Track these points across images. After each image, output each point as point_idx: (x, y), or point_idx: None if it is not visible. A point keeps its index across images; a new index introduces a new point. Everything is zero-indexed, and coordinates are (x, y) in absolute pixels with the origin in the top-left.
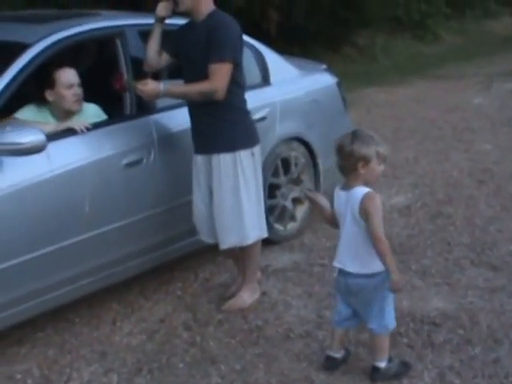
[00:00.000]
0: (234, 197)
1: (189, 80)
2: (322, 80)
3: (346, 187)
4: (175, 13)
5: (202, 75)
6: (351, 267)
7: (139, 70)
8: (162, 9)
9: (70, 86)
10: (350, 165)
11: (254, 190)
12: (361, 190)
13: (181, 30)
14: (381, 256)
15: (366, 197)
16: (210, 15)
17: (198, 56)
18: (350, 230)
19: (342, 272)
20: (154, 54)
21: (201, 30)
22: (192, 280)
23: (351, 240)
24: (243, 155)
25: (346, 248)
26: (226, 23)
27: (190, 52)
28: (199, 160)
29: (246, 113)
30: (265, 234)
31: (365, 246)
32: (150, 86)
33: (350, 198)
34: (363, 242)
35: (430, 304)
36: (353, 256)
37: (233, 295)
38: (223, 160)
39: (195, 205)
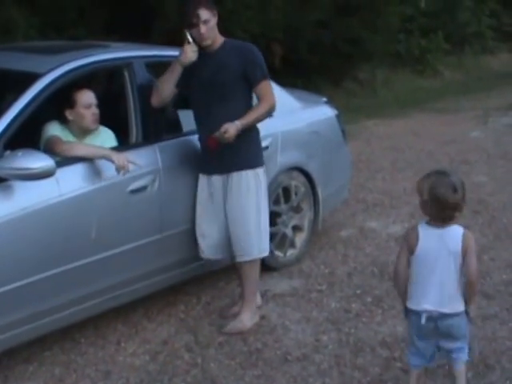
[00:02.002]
0: (254, 212)
1: (206, 107)
2: (322, 112)
3: (439, 225)
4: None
5: (232, 96)
6: (448, 307)
7: (145, 100)
8: (192, 54)
9: (89, 106)
10: (452, 212)
11: (267, 206)
12: (458, 229)
13: (195, 62)
14: (474, 293)
15: (467, 235)
16: (226, 43)
17: (225, 80)
18: (446, 268)
19: (431, 315)
20: (171, 90)
21: (222, 57)
22: (194, 303)
23: (449, 278)
24: (260, 172)
25: (440, 288)
26: (252, 46)
27: (215, 78)
28: (215, 180)
29: (259, 131)
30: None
31: (460, 284)
32: (232, 130)
33: (446, 236)
34: (459, 280)
35: None
36: (450, 295)
37: (234, 316)
38: (245, 177)
39: (206, 225)
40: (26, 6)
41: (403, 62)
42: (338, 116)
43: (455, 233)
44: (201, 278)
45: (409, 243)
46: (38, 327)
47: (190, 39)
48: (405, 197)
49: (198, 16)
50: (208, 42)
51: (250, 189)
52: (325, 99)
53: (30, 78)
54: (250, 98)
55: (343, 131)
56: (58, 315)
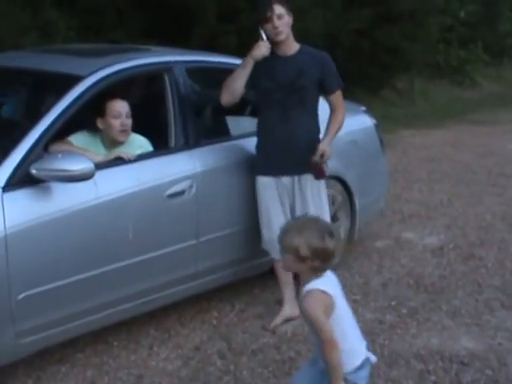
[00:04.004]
0: (324, 212)
1: (282, 108)
2: (361, 121)
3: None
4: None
5: (310, 101)
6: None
7: (185, 105)
8: (265, 49)
9: (118, 116)
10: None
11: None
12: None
13: (267, 64)
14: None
15: None
16: (302, 49)
17: (304, 85)
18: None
19: (366, 363)
20: (242, 87)
21: (298, 62)
22: (228, 310)
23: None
24: None
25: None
26: (326, 54)
27: (294, 82)
28: (285, 181)
29: None
30: None
31: None
32: (328, 150)
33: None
34: None
35: (459, 343)
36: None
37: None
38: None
39: (276, 225)
40: (65, 9)
41: (441, 73)
42: (376, 125)
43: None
44: (235, 285)
45: (326, 306)
46: (71, 329)
47: (264, 37)
48: (441, 208)
49: (272, 9)
50: (282, 37)
51: (319, 191)
52: (364, 108)
53: (72, 81)
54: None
55: (381, 141)
56: (92, 317)
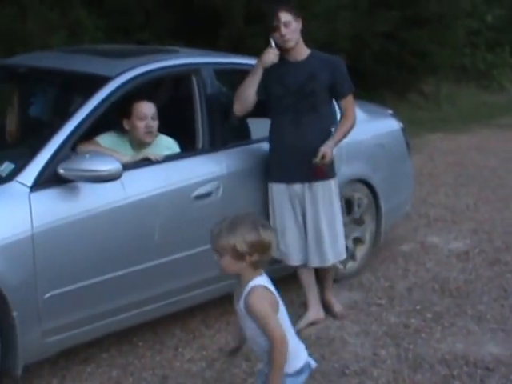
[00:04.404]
0: (334, 219)
1: (294, 114)
2: (388, 125)
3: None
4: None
5: (322, 106)
6: None
7: (213, 107)
8: (273, 56)
9: (143, 118)
10: None
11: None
12: None
13: (277, 70)
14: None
15: None
16: (313, 54)
17: (314, 89)
18: None
19: (306, 367)
20: (253, 95)
21: (309, 67)
22: None
23: None
24: (336, 181)
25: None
26: (340, 59)
27: (304, 87)
28: (296, 188)
29: None
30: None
31: None
32: (330, 152)
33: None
34: None
35: (484, 349)
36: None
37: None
38: (331, 185)
39: (287, 232)
40: (93, 9)
41: (468, 77)
42: (403, 129)
43: None
44: None
45: (272, 303)
46: (96, 329)
47: (273, 44)
48: (467, 212)
49: (278, 18)
50: (290, 44)
51: (332, 197)
52: (390, 112)
53: (100, 81)
54: (332, 109)
55: (408, 144)
56: (117, 318)
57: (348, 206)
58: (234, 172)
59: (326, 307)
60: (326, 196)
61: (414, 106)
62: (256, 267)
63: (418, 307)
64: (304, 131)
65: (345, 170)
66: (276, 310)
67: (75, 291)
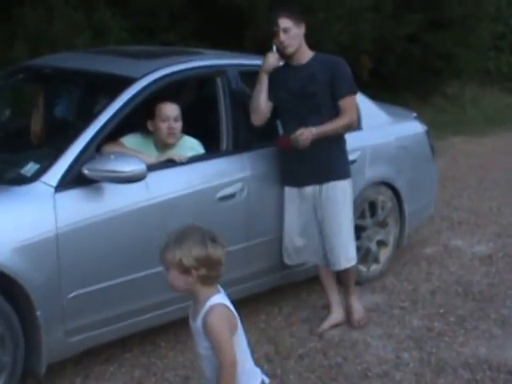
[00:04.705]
0: (345, 222)
1: (298, 117)
2: (411, 127)
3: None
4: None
5: (319, 107)
6: None
7: (238, 108)
8: (273, 60)
9: (166, 120)
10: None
11: (352, 217)
12: None
13: (280, 74)
14: None
15: None
16: (315, 57)
17: (316, 92)
18: None
19: None
20: (266, 104)
21: (311, 69)
22: (276, 314)
23: None
24: (350, 183)
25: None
26: (341, 60)
27: (305, 90)
28: (308, 191)
29: (346, 143)
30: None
31: None
32: (306, 134)
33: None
34: None
35: (507, 353)
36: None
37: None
38: (343, 187)
39: (293, 234)
40: (118, 10)
41: (492, 80)
42: (427, 132)
43: None
44: (283, 288)
45: (231, 323)
46: (119, 329)
47: (274, 48)
48: (491, 216)
49: (277, 24)
50: (290, 50)
51: (342, 199)
52: (414, 114)
53: (125, 82)
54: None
55: (432, 147)
56: (140, 318)
57: (372, 208)
58: (258, 174)
59: (347, 313)
60: (337, 198)
61: (437, 109)
62: (205, 283)
63: (441, 311)
64: None
65: (368, 173)
66: (234, 330)
67: (99, 291)
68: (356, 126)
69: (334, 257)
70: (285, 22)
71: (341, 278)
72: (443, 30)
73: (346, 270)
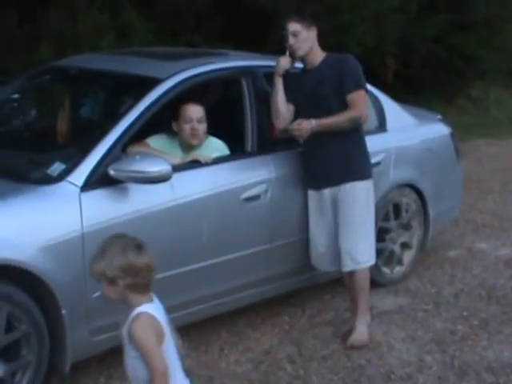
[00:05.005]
0: (362, 223)
1: (318, 117)
2: (436, 130)
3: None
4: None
5: (332, 108)
6: None
7: (263, 109)
8: (285, 63)
9: (190, 121)
10: None
11: (374, 218)
12: None
13: (295, 77)
14: None
15: None
16: (327, 57)
17: (327, 92)
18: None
19: None
20: (285, 106)
21: (322, 70)
22: (299, 315)
23: None
24: (371, 184)
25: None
26: (350, 57)
27: (317, 92)
28: (326, 193)
29: (366, 143)
30: (373, 261)
31: None
32: (304, 124)
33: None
34: None
35: None
36: None
37: (349, 332)
38: (358, 188)
39: (317, 238)
40: (143, 11)
41: None
42: (452, 134)
43: None
44: (306, 290)
45: (157, 332)
46: None
47: (287, 52)
48: None
49: (286, 28)
50: (299, 54)
51: (360, 200)
52: (439, 116)
53: (151, 83)
54: None
55: (457, 150)
56: None
57: (396, 210)
58: (282, 175)
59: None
60: (353, 199)
61: (462, 111)
62: (134, 291)
63: (464, 314)
64: (325, 136)
65: (393, 175)
66: (161, 340)
67: None
68: (364, 120)
69: (342, 257)
70: (294, 26)
71: (352, 283)
72: (468, 32)
73: (355, 274)
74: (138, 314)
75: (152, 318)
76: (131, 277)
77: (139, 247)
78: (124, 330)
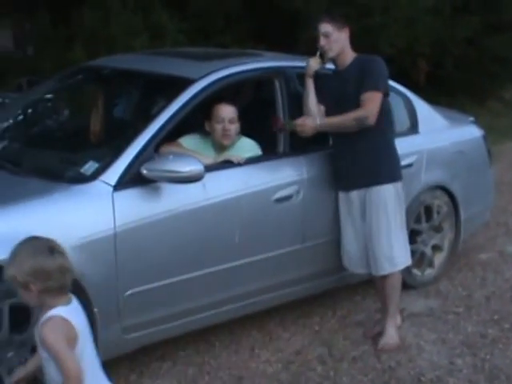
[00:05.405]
0: (391, 226)
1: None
2: (468, 132)
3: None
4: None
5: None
6: None
7: (295, 110)
8: (315, 64)
9: (221, 121)
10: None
11: (405, 219)
12: None
13: (326, 78)
14: None
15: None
16: (356, 59)
17: (352, 94)
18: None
19: None
20: (317, 107)
21: (350, 72)
22: (330, 316)
23: None
24: (400, 186)
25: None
26: (375, 58)
27: (344, 94)
28: (354, 195)
29: (394, 145)
30: (410, 262)
31: None
32: (308, 122)
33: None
34: None
35: None
36: None
37: (378, 334)
38: (389, 191)
39: (347, 240)
40: (175, 12)
41: None
42: (484, 137)
43: None
44: (337, 291)
45: (69, 336)
46: (174, 327)
47: (318, 53)
48: None
49: (318, 29)
50: (330, 55)
51: (389, 203)
52: (471, 118)
53: (184, 83)
54: (386, 112)
55: (489, 152)
56: (195, 317)
57: (427, 213)
58: (314, 176)
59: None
60: (381, 202)
61: (494, 113)
62: (49, 294)
63: (495, 317)
64: (353, 138)
65: (425, 177)
66: (73, 344)
67: (155, 290)
68: (371, 122)
69: (375, 262)
70: (325, 27)
71: (383, 285)
72: (501, 33)
73: (387, 276)
74: (49, 317)
75: (64, 320)
76: (42, 281)
77: (51, 249)
78: (36, 332)
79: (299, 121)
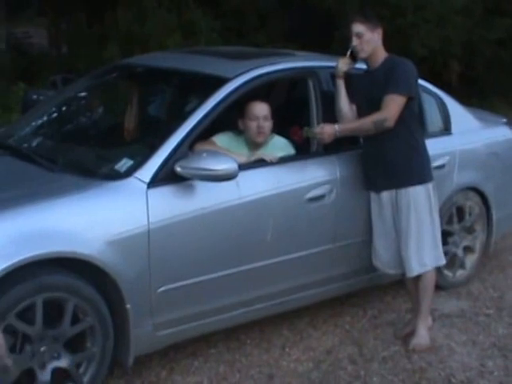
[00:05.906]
0: (423, 227)
1: None
2: (501, 133)
3: None
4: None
5: None
6: None
7: (328, 110)
8: (343, 65)
9: (255, 119)
10: None
11: (438, 220)
12: None
13: (358, 78)
14: None
15: None
16: (387, 59)
17: (379, 95)
18: None
19: None
20: (349, 107)
21: (379, 72)
22: (360, 316)
23: None
24: (431, 187)
25: None
26: (402, 61)
27: (373, 94)
28: (384, 196)
29: (425, 146)
30: (443, 261)
31: None
32: (327, 129)
33: None
34: None
35: None
36: None
37: (409, 335)
38: (418, 192)
39: (378, 240)
40: (209, 10)
41: None
42: None
43: None
44: (368, 291)
45: None
46: (206, 324)
47: (348, 53)
48: None
49: (350, 29)
50: (362, 55)
51: (419, 204)
52: (504, 120)
53: (218, 82)
54: (414, 115)
55: None
56: (227, 315)
57: (459, 214)
58: (347, 176)
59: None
60: (412, 203)
61: None
62: None
63: None
64: (383, 140)
65: (457, 178)
66: None
67: (187, 287)
68: (390, 125)
69: (405, 263)
70: (358, 27)
71: (416, 286)
72: None
73: (420, 276)
74: None
75: None
76: None
77: None
78: None
79: (318, 129)
